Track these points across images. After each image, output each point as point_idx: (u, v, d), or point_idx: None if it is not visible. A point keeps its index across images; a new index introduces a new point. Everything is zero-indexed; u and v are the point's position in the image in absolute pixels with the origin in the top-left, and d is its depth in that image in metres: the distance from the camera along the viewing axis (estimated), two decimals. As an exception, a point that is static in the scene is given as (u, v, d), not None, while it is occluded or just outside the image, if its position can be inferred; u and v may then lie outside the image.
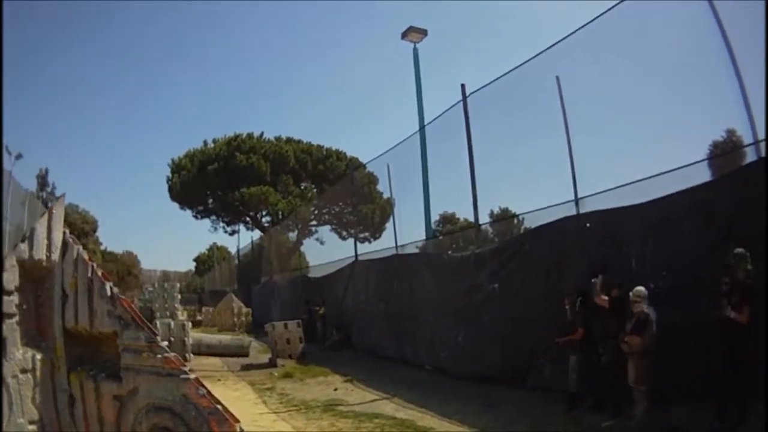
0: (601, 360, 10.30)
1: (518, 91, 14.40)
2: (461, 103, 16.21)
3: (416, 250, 21.18)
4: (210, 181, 46.90)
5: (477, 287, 14.80)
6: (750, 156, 9.68)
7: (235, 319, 35.54)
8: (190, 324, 21.26)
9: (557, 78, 13.21)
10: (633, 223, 10.82)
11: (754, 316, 7.97)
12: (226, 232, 54.73)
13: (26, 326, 4.12)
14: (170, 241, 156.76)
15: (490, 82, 15.12)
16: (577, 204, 12.86)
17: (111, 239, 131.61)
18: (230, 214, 51.06)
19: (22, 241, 4.13)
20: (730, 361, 8.27)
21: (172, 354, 4.02)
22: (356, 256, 24.40)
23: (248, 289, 45.42)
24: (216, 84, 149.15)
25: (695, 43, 10.59)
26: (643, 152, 12.89)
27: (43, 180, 64.30)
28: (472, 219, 16.72)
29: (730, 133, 11.33)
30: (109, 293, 4.15)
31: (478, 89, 15.64)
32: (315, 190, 49.09)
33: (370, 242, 30.41)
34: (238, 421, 3.80)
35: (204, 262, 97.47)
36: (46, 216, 4.26)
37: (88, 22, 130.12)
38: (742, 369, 8.07)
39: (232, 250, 70.04)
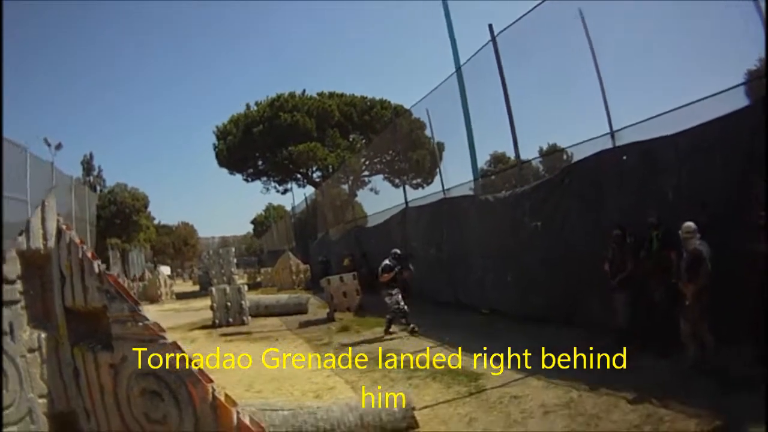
0: (653, 297, 10.19)
1: (547, 26, 14.21)
2: (491, 43, 16.05)
3: (468, 192, 21.00)
4: (256, 143, 47.16)
5: (519, 226, 14.74)
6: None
7: (294, 277, 35.80)
8: (246, 287, 21.41)
9: (579, 11, 13.01)
10: (668, 153, 10.53)
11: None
12: (278, 191, 55.35)
13: (33, 310, 4.54)
14: (226, 206, 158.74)
15: (516, 20, 14.94)
16: (612, 137, 12.70)
17: (165, 213, 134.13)
18: (280, 174, 51.31)
19: (20, 234, 4.57)
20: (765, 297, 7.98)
21: (152, 321, 4.27)
22: (406, 202, 24.44)
23: (306, 245, 45.70)
24: (253, 47, 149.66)
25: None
26: (679, 81, 12.48)
27: (88, 165, 65.64)
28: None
29: (762, 61, 10.84)
30: (97, 270, 4.44)
31: (505, 28, 15.48)
32: (363, 141, 48.83)
33: (423, 188, 30.12)
34: (211, 380, 4.04)
35: (261, 224, 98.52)
36: (39, 209, 4.66)
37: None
38: None
39: (288, 208, 70.59)
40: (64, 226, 4.70)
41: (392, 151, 34.32)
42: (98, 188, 62.98)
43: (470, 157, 20.58)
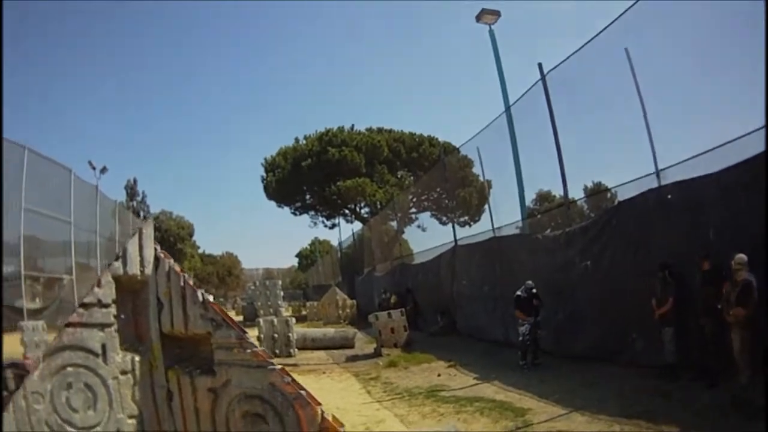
0: (704, 331, 10.22)
1: (594, 65, 14.35)
2: (540, 81, 16.28)
3: (515, 231, 21.06)
4: (305, 177, 47.21)
5: (570, 265, 14.84)
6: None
7: (340, 312, 35.90)
8: (293, 320, 21.48)
9: (626, 50, 13.13)
10: (711, 192, 10.61)
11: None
12: (326, 226, 54.99)
13: (124, 333, 4.68)
14: (271, 238, 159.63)
15: (565, 59, 15.19)
16: (658, 176, 12.78)
17: (209, 242, 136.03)
18: (329, 208, 51.14)
19: (116, 259, 4.69)
20: None
21: (260, 348, 4.52)
22: (455, 240, 24.45)
23: (352, 280, 45.79)
24: (302, 81, 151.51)
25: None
26: (719, 119, 12.59)
27: (132, 190, 66.84)
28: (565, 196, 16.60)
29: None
30: (201, 299, 4.66)
31: (554, 67, 15.72)
32: (411, 178, 48.66)
33: (470, 225, 30.20)
34: (319, 404, 4.23)
35: (306, 257, 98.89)
36: (137, 236, 4.77)
37: (172, 27, 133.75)
38: None
39: (334, 243, 70.81)
40: (162, 254, 4.83)
41: (440, 189, 34.46)
42: (141, 214, 64.01)
43: (519, 196, 20.66)
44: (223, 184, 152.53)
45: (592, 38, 13.94)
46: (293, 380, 4.34)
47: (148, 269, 4.76)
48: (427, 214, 37.94)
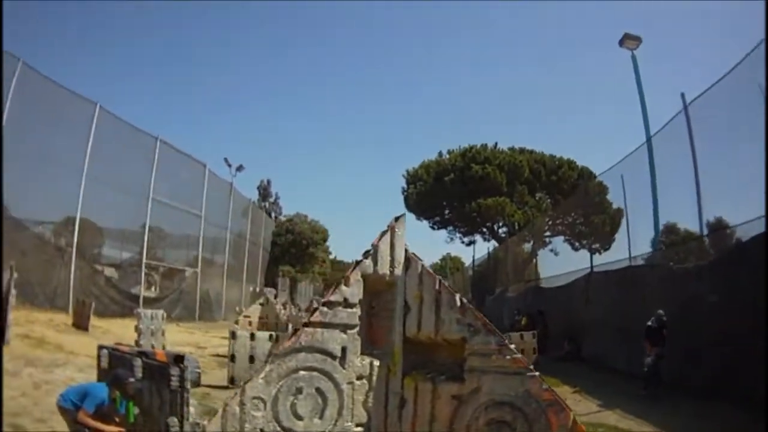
0: None
1: (723, 99, 14.39)
2: (682, 111, 16.43)
3: (641, 262, 21.13)
4: (446, 191, 47.43)
5: (696, 299, 14.88)
6: None
7: (469, 330, 36.00)
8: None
9: (759, 86, 13.01)
10: None
11: None
12: (463, 242, 54.74)
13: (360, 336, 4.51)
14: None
15: (706, 90, 15.21)
16: None
17: (343, 249, 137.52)
18: (467, 225, 51.04)
19: (365, 257, 4.54)
20: None
21: (520, 355, 4.43)
22: (591, 267, 24.66)
23: (482, 299, 45.73)
24: (441, 97, 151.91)
25: None
26: None
27: (265, 191, 68.12)
28: (690, 229, 16.62)
29: None
30: (458, 304, 4.51)
31: (696, 98, 15.76)
32: (549, 200, 48.41)
33: (600, 253, 30.10)
34: (572, 410, 4.25)
35: (436, 272, 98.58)
36: (388, 234, 4.60)
37: (321, 29, 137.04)
38: None
39: (465, 261, 70.64)
40: (413, 255, 4.68)
41: (574, 214, 34.38)
42: (273, 215, 65.46)
43: (654, 227, 20.71)
44: (360, 192, 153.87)
45: (724, 75, 14.08)
46: (550, 387, 4.28)
47: (398, 270, 4.58)
48: (561, 238, 37.81)
